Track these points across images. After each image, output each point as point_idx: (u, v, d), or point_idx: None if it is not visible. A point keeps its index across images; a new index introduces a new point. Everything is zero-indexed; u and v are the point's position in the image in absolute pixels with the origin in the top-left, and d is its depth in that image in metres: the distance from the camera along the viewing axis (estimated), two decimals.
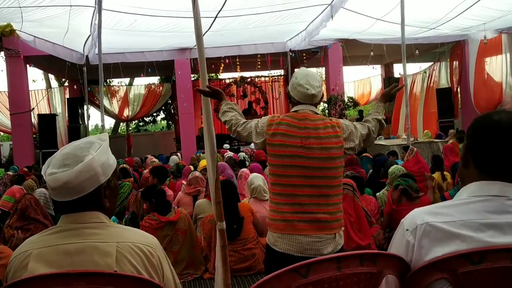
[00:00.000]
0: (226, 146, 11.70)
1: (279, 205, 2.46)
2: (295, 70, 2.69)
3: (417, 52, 11.17)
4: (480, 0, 7.81)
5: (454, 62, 12.96)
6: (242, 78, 15.01)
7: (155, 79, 18.64)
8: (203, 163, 6.57)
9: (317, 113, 2.58)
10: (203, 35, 2.96)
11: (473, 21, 9.49)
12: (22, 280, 1.31)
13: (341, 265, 1.25)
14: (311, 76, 2.57)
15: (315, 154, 2.40)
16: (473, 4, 8.03)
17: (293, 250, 2.39)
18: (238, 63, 12.04)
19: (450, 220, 1.26)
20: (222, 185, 4.30)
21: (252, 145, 11.41)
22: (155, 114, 19.58)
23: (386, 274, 1.31)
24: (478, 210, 1.26)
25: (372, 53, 11.50)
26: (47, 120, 11.89)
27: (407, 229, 1.31)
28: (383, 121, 2.77)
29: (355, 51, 12.04)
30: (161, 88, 15.68)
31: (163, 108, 18.15)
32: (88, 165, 1.41)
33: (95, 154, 1.44)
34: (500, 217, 1.24)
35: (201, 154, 9.27)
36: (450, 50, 12.86)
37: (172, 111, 16.57)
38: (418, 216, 1.32)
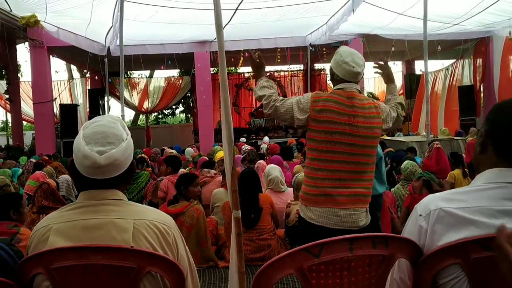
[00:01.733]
0: (243, 139, 11.74)
1: (318, 180, 2.52)
2: (338, 49, 2.69)
3: (439, 48, 11.00)
4: None
5: (478, 59, 12.72)
6: None
7: (174, 72, 18.78)
8: (219, 154, 6.61)
9: (360, 92, 2.62)
10: (223, 27, 2.97)
11: (498, 17, 9.29)
12: (42, 252, 1.36)
13: (353, 246, 1.26)
14: (356, 55, 2.60)
15: (361, 132, 2.48)
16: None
17: (331, 223, 2.48)
18: None
19: (464, 206, 1.25)
20: (245, 175, 4.34)
21: (265, 139, 11.46)
22: (174, 106, 19.71)
23: (398, 258, 1.31)
24: (493, 197, 1.25)
25: (393, 49, 11.38)
26: (69, 110, 12.13)
27: (420, 214, 1.31)
28: (403, 102, 2.87)
29: (376, 46, 11.92)
30: (180, 81, 15.79)
31: (182, 101, 18.27)
32: (129, 143, 1.51)
33: (128, 133, 1.55)
34: None
35: (217, 147, 9.32)
36: (474, 47, 12.62)
37: (191, 104, 16.67)
38: (431, 201, 1.31)
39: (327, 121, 2.49)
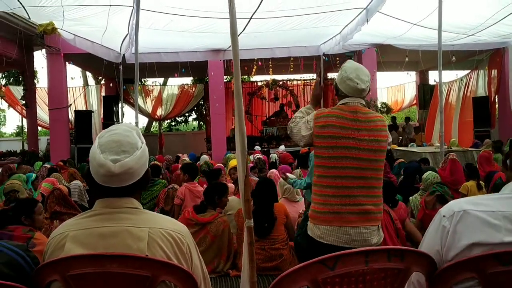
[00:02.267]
0: (257, 147, 11.75)
1: (327, 197, 2.50)
2: (344, 64, 2.70)
3: (454, 59, 10.93)
4: None
5: (493, 70, 12.60)
6: (274, 80, 15.04)
7: (188, 80, 18.92)
8: (233, 163, 6.62)
9: (365, 106, 2.62)
10: (238, 36, 3.00)
11: None
12: (59, 259, 1.38)
13: (368, 259, 1.26)
14: (361, 70, 2.59)
15: (367, 146, 2.47)
16: None
17: (341, 242, 2.44)
18: (270, 65, 12.06)
19: (488, 210, 1.27)
20: (262, 183, 4.35)
21: (281, 148, 11.45)
22: (187, 114, 19.83)
23: (414, 271, 1.31)
24: None
25: (407, 59, 11.32)
26: (83, 116, 12.25)
27: (444, 216, 1.34)
28: None
29: (390, 56, 11.88)
30: (194, 89, 15.89)
31: (195, 108, 18.38)
32: (143, 151, 1.54)
33: (143, 141, 1.57)
34: None
35: (230, 155, 9.33)
36: (489, 58, 12.51)
37: (204, 112, 16.76)
38: (456, 204, 1.34)
39: (330, 137, 2.49)
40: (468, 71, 13.80)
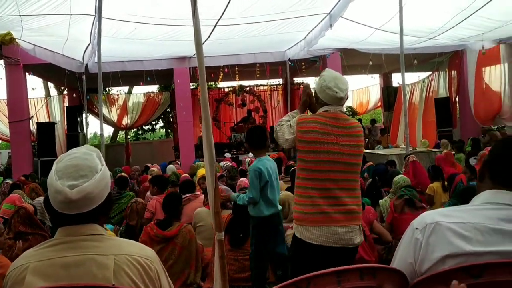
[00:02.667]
0: (227, 154, 11.69)
1: (314, 198, 2.60)
2: (322, 73, 2.76)
3: (415, 61, 11.21)
4: (478, 11, 7.85)
5: (453, 71, 13.00)
6: (241, 86, 15.04)
7: (154, 88, 18.68)
8: (201, 172, 6.55)
9: (344, 113, 2.75)
10: (202, 43, 2.97)
11: (471, 31, 9.53)
12: None
13: (340, 279, 1.24)
14: (339, 79, 2.71)
15: (349, 151, 2.61)
16: (471, 15, 8.07)
17: (329, 242, 2.55)
18: (237, 72, 12.06)
19: (460, 222, 1.28)
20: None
21: (250, 155, 11.43)
22: (154, 122, 19.57)
23: None
24: (490, 216, 1.28)
25: (370, 63, 11.53)
26: (46, 128, 11.88)
27: (416, 228, 1.34)
28: None
29: (354, 60, 12.07)
30: (160, 97, 15.70)
31: (162, 116, 18.16)
32: (103, 174, 1.47)
33: (104, 164, 1.50)
34: (510, 225, 1.26)
35: (199, 163, 9.24)
36: (448, 60, 12.91)
37: (171, 120, 16.57)
38: (428, 216, 1.35)
39: (314, 142, 2.60)
40: (430, 72, 14.18)
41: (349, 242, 2.58)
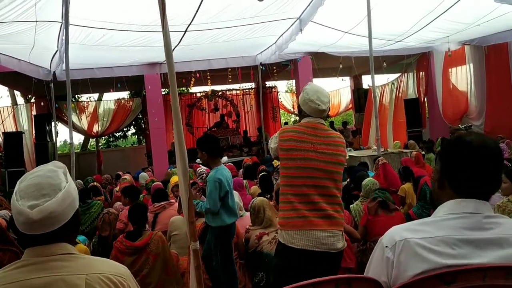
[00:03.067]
0: (199, 160, 11.59)
1: (294, 203, 2.70)
2: (305, 87, 2.92)
3: (384, 64, 11.43)
4: (443, 14, 8.05)
5: (421, 73, 13.30)
6: (213, 91, 14.98)
7: (124, 94, 18.42)
8: (174, 179, 6.48)
9: (324, 124, 2.89)
10: (173, 50, 2.95)
11: (437, 34, 9.77)
12: None
13: None
14: (321, 93, 2.86)
15: (327, 158, 2.72)
16: (437, 18, 8.27)
17: (311, 246, 2.62)
18: (209, 76, 12.01)
19: (428, 237, 1.29)
20: None
21: (224, 159, 11.37)
22: (125, 129, 19.30)
23: None
24: (455, 226, 1.29)
25: (341, 66, 11.68)
26: (13, 138, 11.55)
27: (386, 246, 1.34)
28: None
29: (324, 63, 12.20)
30: (131, 103, 15.49)
31: (133, 123, 17.92)
32: (67, 191, 1.41)
33: (69, 180, 1.45)
34: (476, 233, 1.27)
35: (173, 170, 9.14)
36: (416, 61, 13.19)
37: (143, 126, 16.35)
38: (396, 233, 1.34)
39: (291, 149, 2.75)
40: (398, 74, 14.46)
41: (330, 247, 2.64)
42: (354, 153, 10.00)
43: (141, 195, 6.57)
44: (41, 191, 1.37)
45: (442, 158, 1.40)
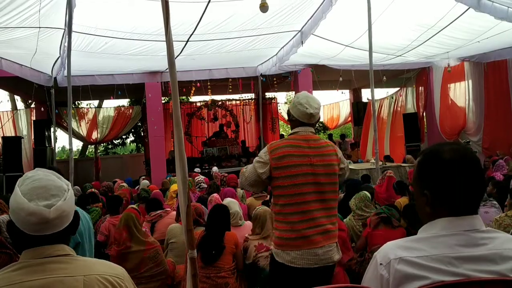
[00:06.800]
0: (197, 169, 11.60)
1: (294, 223, 2.64)
2: (297, 93, 2.91)
3: (384, 78, 11.49)
4: (443, 30, 8.13)
5: (420, 87, 13.38)
6: (213, 101, 15.04)
7: (124, 102, 18.46)
8: (174, 187, 6.49)
9: (314, 133, 2.83)
10: (175, 58, 2.98)
11: (437, 49, 9.84)
12: None
13: None
14: (311, 98, 2.82)
15: (322, 171, 2.67)
16: (437, 33, 8.35)
17: (311, 264, 2.60)
18: (209, 86, 12.05)
19: (422, 255, 1.28)
20: (217, 210, 4.25)
21: (214, 169, 11.38)
22: (124, 136, 19.31)
23: None
24: (449, 244, 1.29)
25: (341, 79, 11.74)
26: (12, 142, 11.52)
27: (380, 263, 1.33)
28: None
29: (324, 76, 12.27)
30: (130, 111, 15.53)
31: (132, 130, 17.93)
32: (71, 192, 1.46)
33: (68, 183, 1.49)
34: (471, 250, 1.27)
35: (171, 178, 9.14)
36: (416, 76, 13.28)
37: (142, 134, 16.37)
38: (391, 250, 1.33)
39: (289, 166, 2.65)
40: (398, 88, 14.55)
41: (328, 261, 2.65)
42: (353, 166, 10.01)
43: (135, 204, 6.53)
44: (49, 192, 1.39)
45: (430, 182, 1.36)
